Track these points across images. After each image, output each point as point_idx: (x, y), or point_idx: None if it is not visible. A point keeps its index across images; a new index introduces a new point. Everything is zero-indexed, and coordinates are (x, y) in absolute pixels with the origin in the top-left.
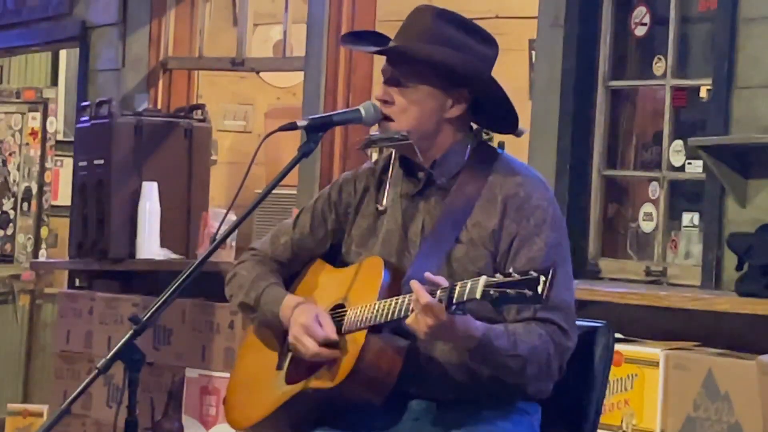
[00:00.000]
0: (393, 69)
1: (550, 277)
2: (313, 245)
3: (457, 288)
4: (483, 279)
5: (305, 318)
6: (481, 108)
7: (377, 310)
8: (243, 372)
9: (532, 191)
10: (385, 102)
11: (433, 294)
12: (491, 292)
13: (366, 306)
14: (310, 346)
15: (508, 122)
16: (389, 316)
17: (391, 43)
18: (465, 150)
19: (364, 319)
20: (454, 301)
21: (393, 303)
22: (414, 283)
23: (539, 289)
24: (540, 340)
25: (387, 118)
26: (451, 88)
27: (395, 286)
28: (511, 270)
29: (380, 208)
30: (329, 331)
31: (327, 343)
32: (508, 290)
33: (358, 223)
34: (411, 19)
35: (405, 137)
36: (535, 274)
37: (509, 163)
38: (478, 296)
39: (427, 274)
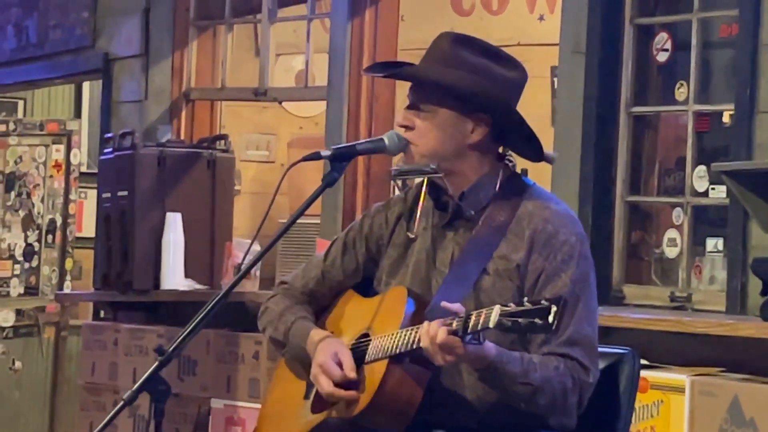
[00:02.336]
0: (412, 93)
1: (561, 306)
2: (343, 277)
3: (473, 317)
4: (497, 308)
5: (323, 356)
6: (505, 135)
7: (398, 340)
8: (273, 402)
9: (560, 226)
10: (406, 127)
11: (449, 323)
12: (504, 321)
13: (388, 335)
14: (325, 386)
15: (531, 148)
16: (410, 345)
17: (413, 67)
18: (495, 182)
19: (385, 348)
20: (469, 330)
21: (414, 332)
22: (425, 325)
23: (550, 318)
24: (555, 372)
25: (408, 143)
26: (470, 113)
27: (419, 315)
28: (525, 299)
29: (411, 236)
30: (347, 369)
31: (344, 383)
32: (520, 319)
33: (389, 253)
34: (432, 46)
35: (434, 170)
36: (546, 303)
37: (539, 196)
38: (491, 325)
39: (444, 303)
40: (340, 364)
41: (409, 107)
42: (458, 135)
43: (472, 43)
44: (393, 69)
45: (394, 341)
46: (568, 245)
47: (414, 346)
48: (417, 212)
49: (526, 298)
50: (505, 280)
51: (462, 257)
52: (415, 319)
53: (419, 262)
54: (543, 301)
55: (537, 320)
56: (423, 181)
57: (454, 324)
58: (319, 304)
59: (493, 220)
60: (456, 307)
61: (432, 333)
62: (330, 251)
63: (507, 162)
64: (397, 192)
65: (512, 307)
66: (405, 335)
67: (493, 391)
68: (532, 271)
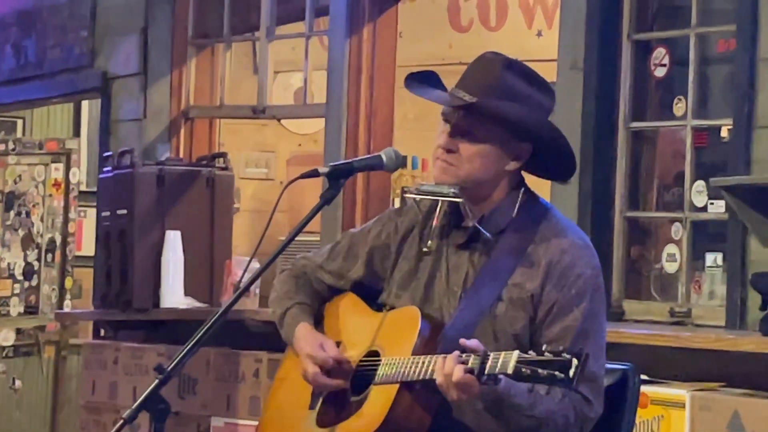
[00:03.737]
0: (464, 119)
1: (582, 360)
2: (342, 273)
3: (490, 359)
4: (515, 354)
5: (309, 348)
6: (538, 158)
7: (411, 367)
8: (276, 407)
9: (576, 258)
10: (448, 150)
11: (465, 361)
12: (523, 370)
13: (401, 360)
14: (310, 371)
15: (563, 170)
16: (423, 375)
17: (463, 94)
18: (514, 205)
19: (396, 373)
20: (486, 371)
21: (429, 361)
22: (440, 360)
23: (571, 372)
24: (559, 406)
25: (446, 162)
26: (516, 143)
27: (431, 341)
28: (544, 347)
29: (425, 249)
30: (330, 350)
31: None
32: (539, 369)
33: (400, 265)
34: (478, 68)
35: (456, 195)
36: (568, 357)
37: (557, 224)
38: (510, 371)
39: (462, 341)
40: (323, 349)
41: (456, 132)
42: (499, 162)
43: (520, 70)
44: (432, 83)
45: (406, 367)
46: (582, 279)
47: (428, 377)
48: (432, 226)
49: (545, 347)
50: (518, 309)
51: (477, 282)
52: (429, 344)
53: (432, 278)
54: (564, 354)
55: (558, 373)
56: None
57: (471, 362)
58: (317, 292)
59: (510, 245)
60: (474, 344)
61: (447, 371)
62: (338, 245)
63: (526, 186)
64: (409, 203)
65: (532, 354)
66: (419, 363)
67: (495, 420)
68: (545, 302)
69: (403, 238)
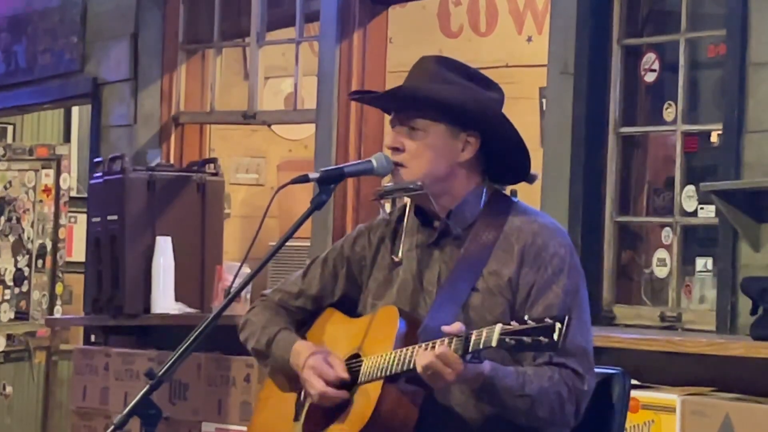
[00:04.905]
0: (401, 115)
1: (565, 324)
2: (320, 295)
3: (473, 337)
4: (498, 327)
5: (314, 360)
6: (493, 154)
7: (393, 360)
8: (261, 424)
9: (549, 239)
10: (395, 150)
11: (447, 344)
12: (507, 340)
13: (381, 356)
14: (317, 386)
15: (520, 167)
16: (404, 366)
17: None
18: (480, 199)
19: (379, 368)
20: (470, 350)
21: (408, 352)
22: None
23: (555, 336)
24: (550, 382)
25: (399, 165)
26: (461, 129)
27: (411, 335)
28: (527, 317)
29: (396, 259)
30: (339, 370)
31: (337, 384)
32: (524, 338)
33: (374, 275)
34: (415, 68)
35: (420, 187)
36: (550, 321)
37: (524, 211)
38: (494, 344)
39: (444, 328)
40: (331, 366)
41: (397, 129)
42: (450, 153)
43: (456, 65)
44: (375, 95)
45: (388, 361)
46: (558, 257)
47: (410, 366)
48: (401, 233)
49: (527, 316)
50: (495, 296)
51: (452, 276)
52: (408, 339)
53: (405, 282)
54: (547, 320)
55: (542, 338)
56: (407, 202)
57: (453, 343)
58: (296, 320)
59: (481, 237)
60: (455, 329)
61: (429, 351)
62: (309, 270)
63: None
64: (381, 214)
65: (515, 325)
66: (399, 355)
67: (490, 407)
68: (524, 285)
69: (377, 250)
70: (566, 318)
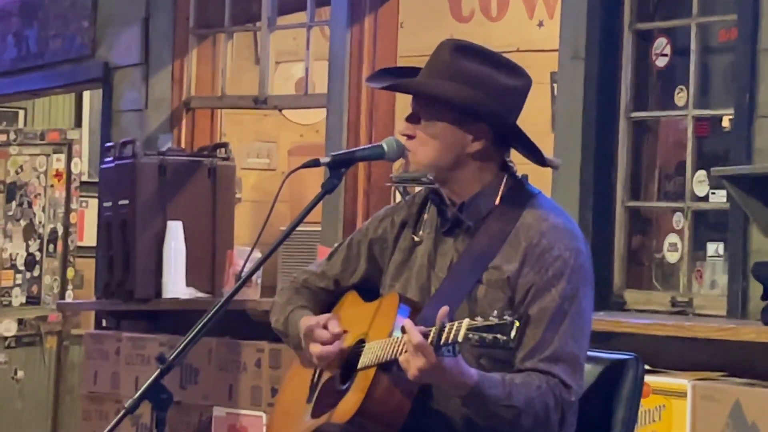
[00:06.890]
0: (414, 104)
1: (523, 322)
2: (343, 277)
3: (446, 329)
4: (465, 322)
5: (309, 323)
6: (507, 143)
7: (386, 348)
8: (282, 403)
9: (555, 240)
10: (407, 136)
11: (426, 334)
12: (470, 336)
13: (379, 344)
14: (313, 349)
15: (532, 155)
16: (394, 354)
17: (408, 80)
18: (496, 193)
19: (375, 356)
20: (442, 342)
21: (400, 341)
22: (407, 323)
23: (512, 333)
24: (537, 392)
25: (408, 150)
26: (469, 124)
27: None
28: (495, 313)
29: (416, 239)
30: (333, 327)
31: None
32: (485, 334)
33: (394, 257)
34: (434, 55)
35: (431, 181)
36: (509, 319)
37: (540, 207)
38: (460, 339)
39: (438, 316)
40: (325, 328)
41: (408, 117)
42: (457, 145)
43: (474, 52)
44: (393, 79)
45: (383, 349)
46: (561, 260)
47: (398, 355)
48: (423, 217)
49: (495, 313)
50: (497, 290)
51: (458, 266)
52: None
53: (422, 266)
54: (506, 316)
55: (499, 336)
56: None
57: (431, 333)
58: (321, 302)
59: (492, 230)
60: (440, 313)
61: (411, 335)
62: (336, 251)
63: (510, 169)
64: (398, 198)
65: (480, 321)
66: (392, 343)
67: (475, 415)
68: (523, 284)
69: (399, 231)
70: (524, 317)
